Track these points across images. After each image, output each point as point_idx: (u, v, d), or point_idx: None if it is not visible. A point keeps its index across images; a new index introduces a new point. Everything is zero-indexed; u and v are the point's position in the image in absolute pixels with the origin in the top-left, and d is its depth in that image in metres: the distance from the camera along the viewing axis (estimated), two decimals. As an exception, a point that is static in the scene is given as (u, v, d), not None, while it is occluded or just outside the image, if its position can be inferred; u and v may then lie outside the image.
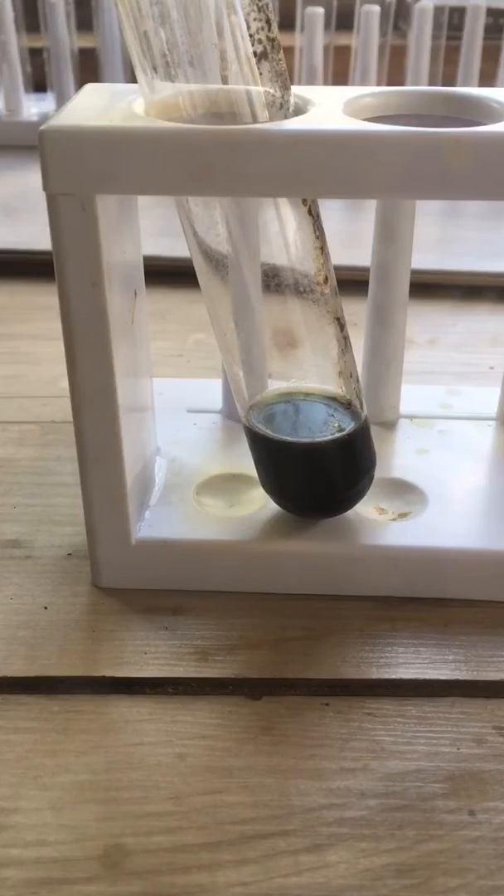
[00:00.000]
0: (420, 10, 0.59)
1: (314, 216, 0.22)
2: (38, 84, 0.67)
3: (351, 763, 0.21)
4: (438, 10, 0.60)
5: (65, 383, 0.23)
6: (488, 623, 0.24)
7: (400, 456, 0.28)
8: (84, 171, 0.19)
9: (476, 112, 0.22)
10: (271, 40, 0.20)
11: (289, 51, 0.59)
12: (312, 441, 0.24)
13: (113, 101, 0.21)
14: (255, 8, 0.19)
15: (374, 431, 0.25)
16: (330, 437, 0.23)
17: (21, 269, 0.45)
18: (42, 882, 0.18)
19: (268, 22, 0.20)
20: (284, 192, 0.20)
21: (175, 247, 0.40)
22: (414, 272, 0.28)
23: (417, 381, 0.33)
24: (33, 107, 0.65)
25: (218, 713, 0.22)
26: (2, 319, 0.41)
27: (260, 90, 0.20)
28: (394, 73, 0.63)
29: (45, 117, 0.63)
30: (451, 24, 0.63)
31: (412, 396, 0.30)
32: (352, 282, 0.31)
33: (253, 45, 0.19)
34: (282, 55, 0.20)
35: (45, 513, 0.28)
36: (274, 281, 0.22)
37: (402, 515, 0.26)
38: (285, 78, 0.21)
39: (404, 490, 0.27)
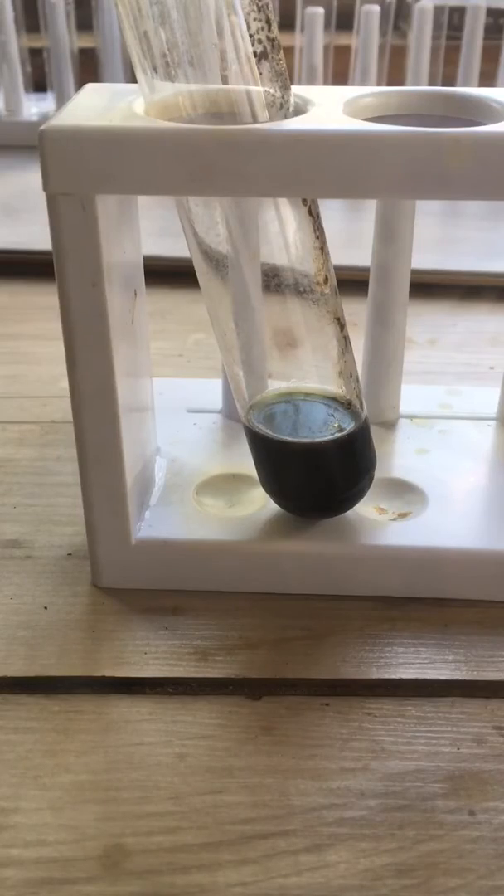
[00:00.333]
0: (420, 10, 0.59)
1: (314, 216, 0.22)
2: (38, 84, 0.67)
3: (351, 763, 0.21)
4: (438, 10, 0.60)
5: (65, 383, 0.23)
6: (488, 623, 0.24)
7: (400, 456, 0.28)
8: (84, 171, 0.19)
9: (476, 112, 0.22)
10: (271, 40, 0.20)
11: (289, 51, 0.59)
12: (312, 441, 0.24)
13: (113, 101, 0.21)
14: (255, 8, 0.19)
15: (374, 431, 0.25)
16: (330, 437, 0.23)
17: (21, 269, 0.45)
18: (42, 882, 0.18)
19: (268, 22, 0.20)
20: (284, 192, 0.20)
21: (175, 247, 0.40)
22: (414, 272, 0.28)
23: (417, 381, 0.33)
24: (33, 107, 0.65)
25: (218, 713, 0.22)
26: (2, 319, 0.41)
27: (260, 90, 0.20)
28: (394, 73, 0.63)
29: (45, 117, 0.63)
30: (451, 24, 0.63)
31: (412, 396, 0.30)
32: (352, 282, 0.31)
33: (253, 45, 0.19)
34: (282, 55, 0.20)
35: (45, 513, 0.28)
36: (274, 281, 0.22)
37: (402, 515, 0.26)
38: (285, 78, 0.21)
39: (404, 490, 0.27)
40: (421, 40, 0.60)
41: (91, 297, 0.21)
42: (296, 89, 0.22)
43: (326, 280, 0.22)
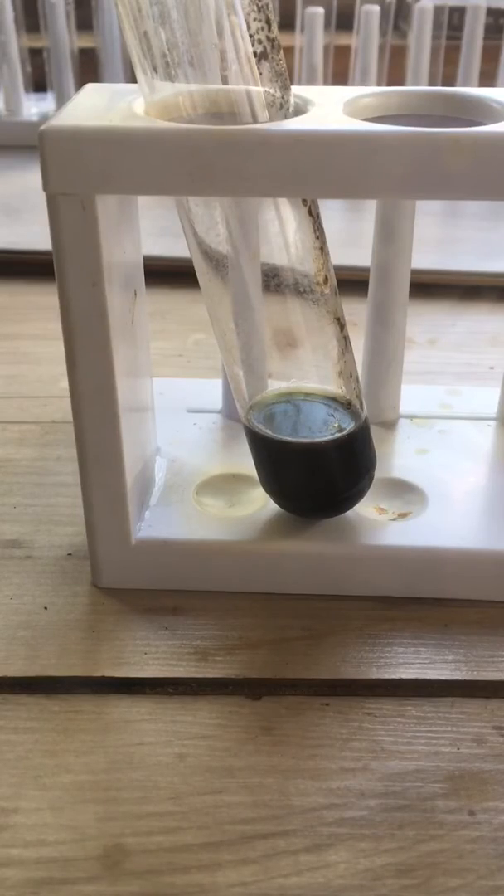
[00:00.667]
0: (420, 10, 0.59)
1: (314, 216, 0.22)
2: (38, 84, 0.67)
3: (351, 763, 0.21)
4: (438, 10, 0.60)
5: (65, 383, 0.23)
6: (488, 623, 0.24)
7: (400, 456, 0.28)
8: (84, 171, 0.19)
9: (476, 112, 0.22)
10: (271, 40, 0.20)
11: (289, 51, 0.59)
12: (312, 441, 0.24)
13: (113, 101, 0.21)
14: (255, 8, 0.19)
15: (374, 431, 0.25)
16: (330, 437, 0.23)
17: (21, 269, 0.45)
18: (42, 882, 0.18)
19: (268, 22, 0.20)
20: (284, 192, 0.20)
21: (175, 247, 0.40)
22: (414, 272, 0.28)
23: (417, 381, 0.33)
24: (33, 107, 0.65)
25: (218, 713, 0.22)
26: (2, 319, 0.41)
27: (260, 90, 0.20)
28: (394, 73, 0.63)
29: (45, 117, 0.63)
30: (451, 24, 0.63)
31: (412, 396, 0.30)
32: (352, 282, 0.31)
33: (253, 45, 0.19)
34: (282, 55, 0.20)
35: (45, 513, 0.28)
36: (274, 281, 0.22)
37: (402, 515, 0.26)
38: (285, 78, 0.21)
39: (404, 490, 0.27)
40: (421, 40, 0.60)
41: (91, 297, 0.21)
42: (296, 89, 0.22)
43: (326, 280, 0.22)
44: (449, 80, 0.63)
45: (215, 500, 0.26)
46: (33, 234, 0.47)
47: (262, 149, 0.19)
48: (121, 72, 0.65)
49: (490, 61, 0.62)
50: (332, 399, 0.24)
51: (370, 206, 0.27)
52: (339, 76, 0.64)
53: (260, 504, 0.26)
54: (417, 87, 0.28)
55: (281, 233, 0.22)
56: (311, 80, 0.60)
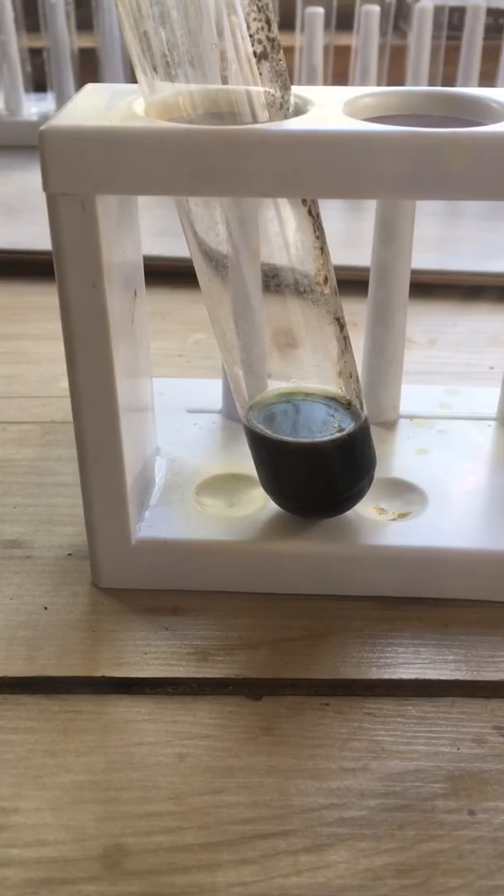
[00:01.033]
0: (420, 10, 0.59)
1: (314, 216, 0.22)
2: (38, 84, 0.67)
3: (351, 763, 0.21)
4: (438, 10, 0.60)
5: (65, 383, 0.23)
6: (488, 623, 0.24)
7: (400, 456, 0.28)
8: (84, 171, 0.19)
9: (476, 112, 0.22)
10: (271, 40, 0.20)
11: (289, 51, 0.60)
12: (312, 441, 0.24)
13: (113, 101, 0.21)
14: (255, 8, 0.19)
15: (374, 431, 0.25)
16: (330, 438, 0.23)
17: (21, 269, 0.45)
18: (42, 882, 0.18)
19: (268, 22, 0.20)
20: (284, 192, 0.20)
21: (175, 247, 0.40)
22: (414, 272, 0.28)
23: (417, 381, 0.33)
24: (33, 107, 0.65)
25: (218, 713, 0.22)
26: (2, 319, 0.41)
27: (260, 90, 0.20)
28: (394, 73, 0.63)
29: (45, 117, 0.63)
30: (451, 24, 0.63)
31: (412, 396, 0.30)
32: (352, 282, 0.31)
33: (253, 45, 0.19)
34: (282, 55, 0.20)
35: (45, 513, 0.28)
36: (274, 281, 0.22)
37: (402, 515, 0.26)
38: (285, 78, 0.21)
39: (404, 490, 0.27)
40: (421, 40, 0.60)
41: (91, 297, 0.21)
42: (296, 89, 0.22)
43: (326, 280, 0.22)
44: (449, 80, 0.63)
45: (215, 500, 0.26)
46: (33, 234, 0.47)
47: (262, 149, 0.19)
48: (121, 72, 0.65)
49: (490, 61, 0.62)
50: (332, 399, 0.24)
51: (370, 206, 0.27)
52: (339, 76, 0.64)
53: (260, 504, 0.26)
54: (417, 87, 0.28)
55: (281, 233, 0.22)
56: (311, 80, 0.60)
